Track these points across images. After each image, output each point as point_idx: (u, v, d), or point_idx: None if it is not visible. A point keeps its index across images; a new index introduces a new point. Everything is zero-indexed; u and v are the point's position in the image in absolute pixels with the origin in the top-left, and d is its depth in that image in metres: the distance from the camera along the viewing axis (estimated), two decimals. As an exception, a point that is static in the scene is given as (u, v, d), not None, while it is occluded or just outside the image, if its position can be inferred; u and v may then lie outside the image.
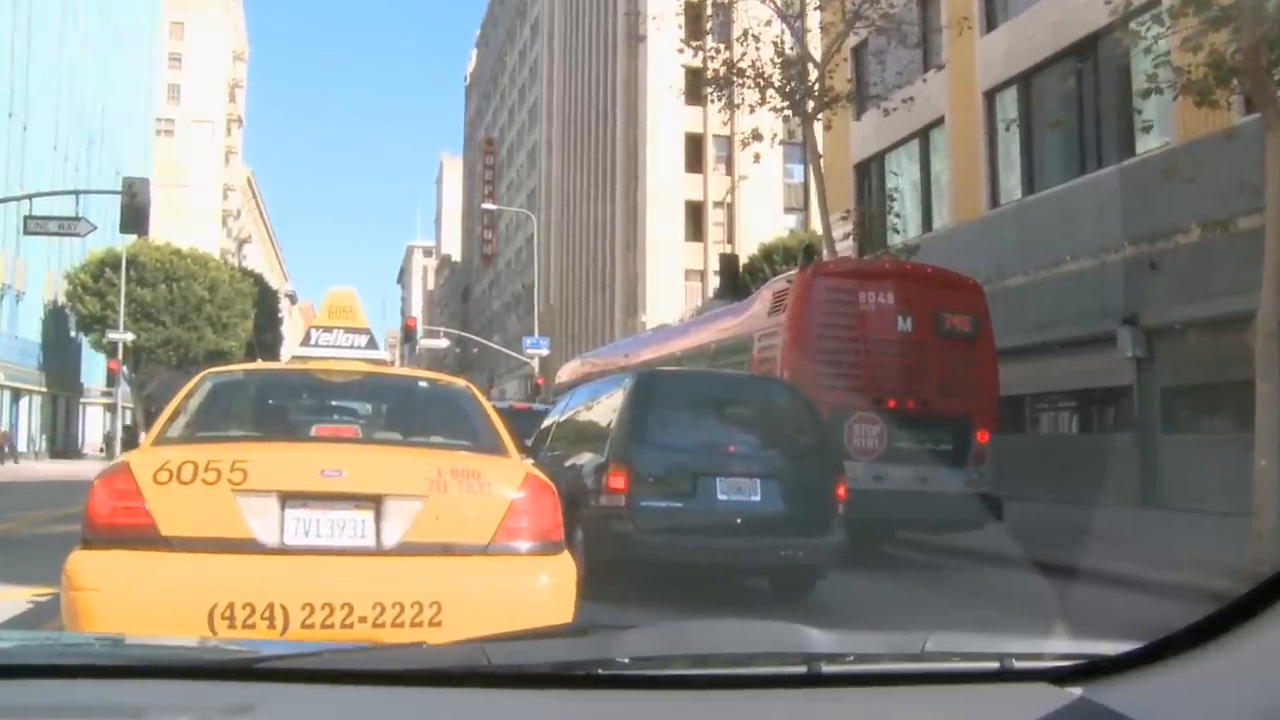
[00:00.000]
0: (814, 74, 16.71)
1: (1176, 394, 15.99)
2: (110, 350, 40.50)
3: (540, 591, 3.81)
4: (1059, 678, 1.40)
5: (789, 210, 48.36)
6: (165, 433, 4.31)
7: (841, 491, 7.07)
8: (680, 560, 6.71)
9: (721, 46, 17.00)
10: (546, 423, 9.26)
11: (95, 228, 20.89)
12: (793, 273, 11.03)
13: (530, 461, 5.00)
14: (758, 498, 6.84)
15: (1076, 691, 1.37)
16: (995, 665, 1.42)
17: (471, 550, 3.78)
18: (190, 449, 3.88)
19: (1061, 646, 1.48)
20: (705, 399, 7.70)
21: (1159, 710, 1.25)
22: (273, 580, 3.51)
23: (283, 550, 3.62)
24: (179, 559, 3.54)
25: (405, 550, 3.70)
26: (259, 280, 56.20)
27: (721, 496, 6.78)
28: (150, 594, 3.44)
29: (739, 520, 6.77)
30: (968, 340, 10.73)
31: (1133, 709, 1.26)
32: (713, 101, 18.21)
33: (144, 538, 3.55)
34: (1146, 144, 16.13)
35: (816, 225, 44.81)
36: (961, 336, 10.70)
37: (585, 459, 7.46)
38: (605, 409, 7.69)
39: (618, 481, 6.68)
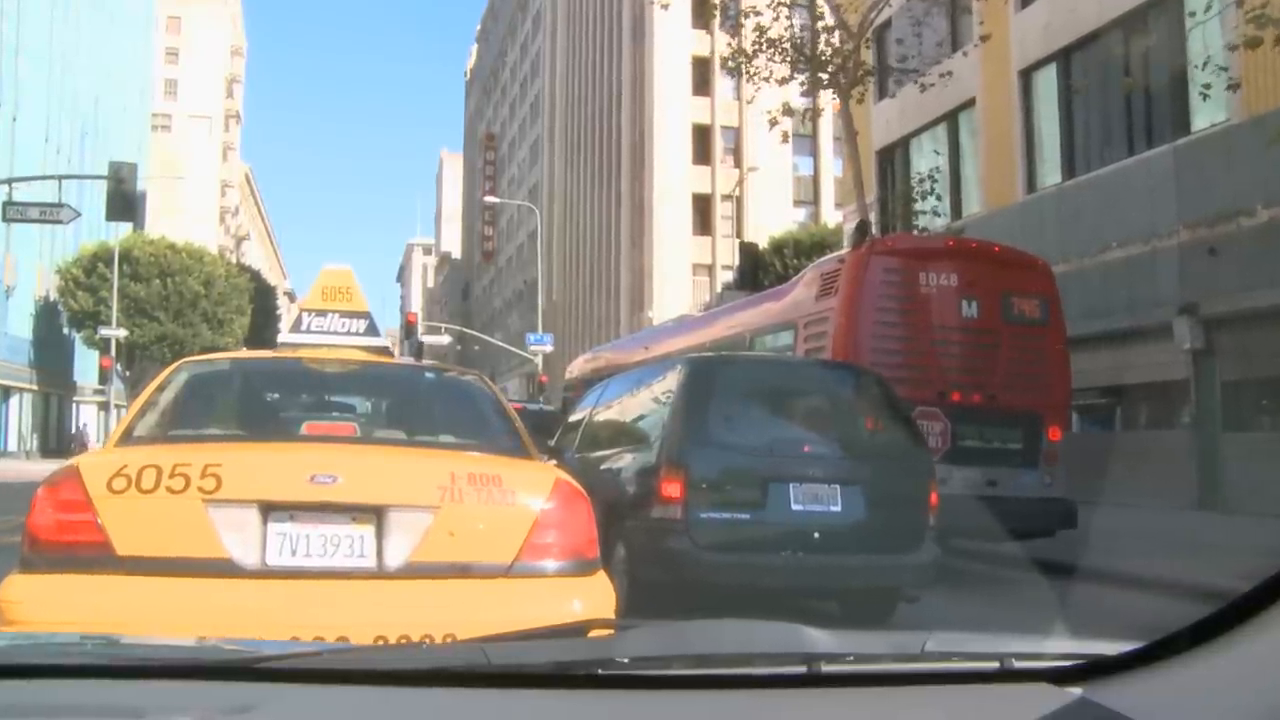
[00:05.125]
0: (845, 51, 15.71)
1: (1240, 388, 14.92)
2: (103, 347, 39.54)
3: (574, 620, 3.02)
4: (1059, 678, 1.40)
5: (798, 204, 47.55)
6: (132, 431, 3.70)
7: (934, 499, 5.96)
8: (747, 582, 5.58)
9: (748, 16, 15.92)
10: (574, 417, 8.16)
11: (79, 214, 19.91)
12: (844, 252, 9.94)
13: (554, 464, 4.22)
14: (838, 508, 5.72)
15: (1076, 691, 1.36)
16: (995, 665, 1.41)
17: (492, 572, 3.20)
18: (157, 450, 3.30)
19: (1062, 646, 1.47)
20: (774, 389, 6.52)
21: (1159, 710, 1.24)
22: (252, 609, 2.95)
23: (265, 573, 3.05)
24: (138, 584, 2.96)
25: (413, 572, 3.13)
26: (255, 276, 55.12)
27: (796, 506, 5.66)
28: (103, 627, 2.74)
29: (816, 535, 5.66)
30: (1038, 327, 9.67)
31: (1133, 709, 1.26)
32: (733, 75, 17.13)
33: (95, 558, 2.99)
34: (1211, 118, 15.07)
35: (827, 219, 44.06)
36: (1031, 323, 9.64)
37: (627, 461, 6.34)
38: (650, 402, 6.55)
39: (672, 489, 5.55)
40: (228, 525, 3.04)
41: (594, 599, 3.26)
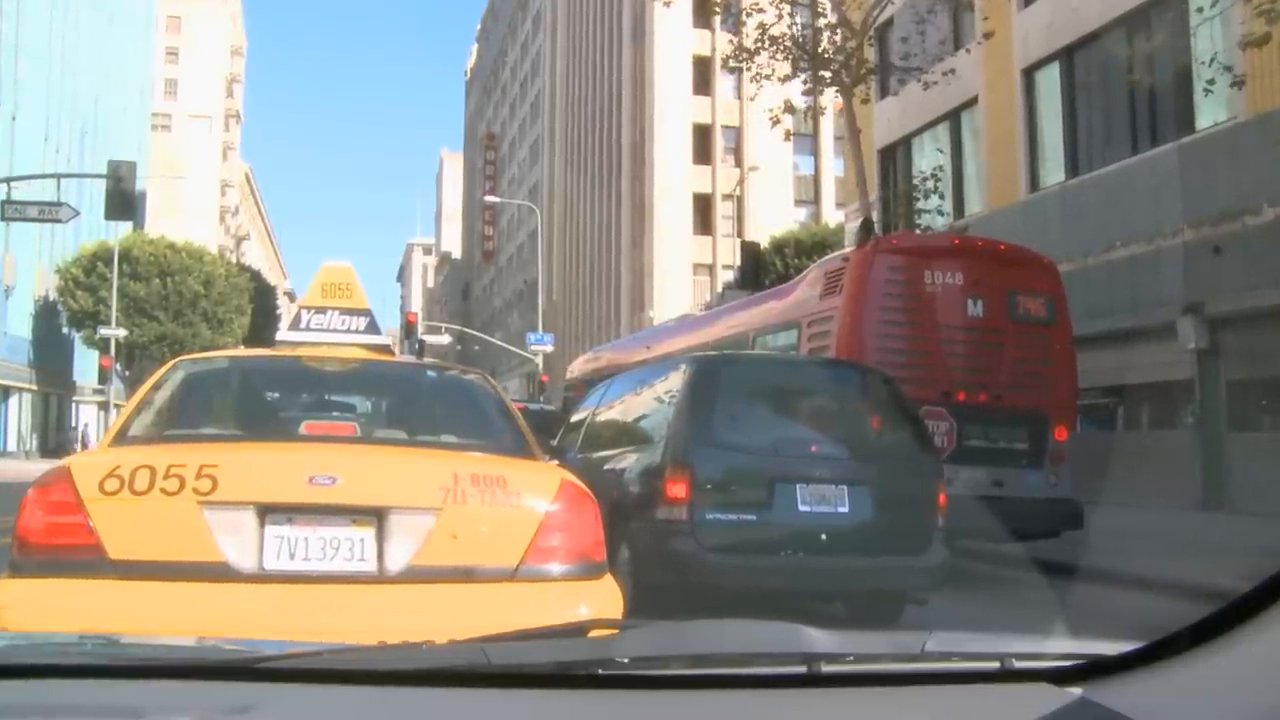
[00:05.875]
0: (848, 48, 15.63)
1: (1245, 388, 14.83)
2: (102, 347, 39.48)
3: None
4: (1059, 678, 1.40)
5: (799, 203, 47.47)
6: (126, 430, 3.60)
7: (943, 500, 5.88)
8: (753, 584, 5.51)
9: (749, 14, 15.83)
10: (577, 417, 8.08)
11: (77, 213, 19.82)
12: (848, 250, 9.86)
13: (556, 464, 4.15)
14: (846, 509, 5.64)
15: (1076, 691, 1.36)
16: (995, 665, 1.41)
17: (496, 576, 3.09)
18: (152, 450, 3.21)
19: (1062, 646, 1.47)
20: (780, 389, 6.44)
21: (1159, 710, 1.24)
22: (249, 615, 2.85)
23: (261, 577, 2.96)
24: (131, 589, 2.86)
25: (415, 576, 3.03)
26: (255, 275, 55.06)
27: (803, 507, 5.58)
28: (94, 633, 2.61)
29: (823, 536, 5.58)
30: (1044, 326, 9.60)
31: (1133, 709, 1.25)
32: (735, 73, 17.08)
33: (87, 562, 2.89)
34: (1215, 116, 14.99)
35: (828, 218, 43.98)
36: (1037, 322, 9.57)
37: (631, 462, 6.25)
38: (654, 402, 6.47)
39: (677, 489, 5.46)
40: (224, 528, 2.95)
41: (601, 603, 3.15)
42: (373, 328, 5.07)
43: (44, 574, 2.90)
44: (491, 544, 3.12)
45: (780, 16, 15.31)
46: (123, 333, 39.63)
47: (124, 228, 38.66)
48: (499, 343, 56.16)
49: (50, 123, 45.76)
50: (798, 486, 5.60)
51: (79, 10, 49.24)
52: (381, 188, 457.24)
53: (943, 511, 5.90)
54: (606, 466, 6.40)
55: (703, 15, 31.10)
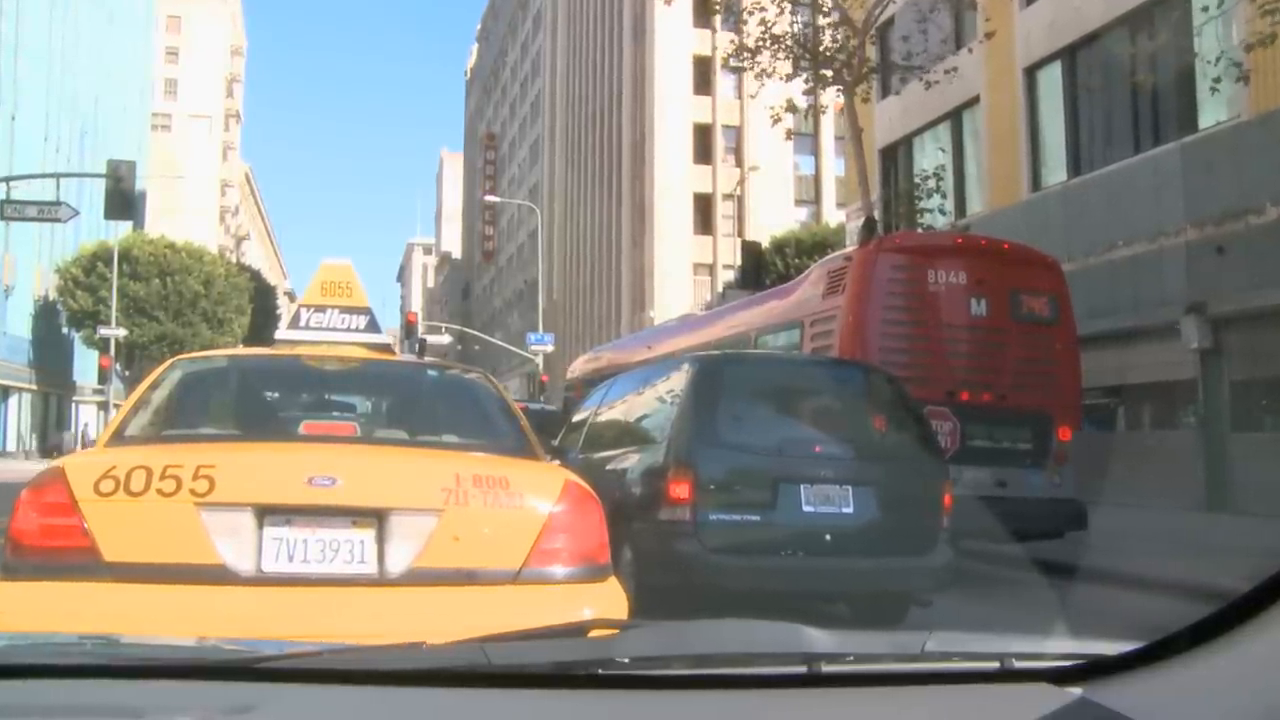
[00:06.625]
0: (850, 47, 15.59)
1: (1248, 388, 14.78)
2: (102, 347, 39.45)
3: None
4: (1059, 678, 1.39)
5: (799, 203, 47.45)
6: (122, 430, 3.56)
7: (949, 501, 5.83)
8: (757, 585, 5.46)
9: (750, 13, 15.79)
10: (578, 417, 8.04)
11: (77, 213, 19.79)
12: (851, 249, 9.81)
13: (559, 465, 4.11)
14: (850, 509, 5.59)
15: (1077, 691, 1.36)
16: (995, 665, 1.41)
17: (499, 578, 3.04)
18: (148, 451, 3.18)
19: (1062, 646, 1.47)
20: (783, 388, 6.39)
21: (1159, 710, 1.24)
22: (247, 618, 2.79)
23: (260, 580, 2.91)
24: (126, 592, 2.81)
25: (416, 579, 2.98)
26: (255, 275, 55.04)
27: (807, 508, 5.53)
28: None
29: (828, 537, 5.54)
30: (1048, 326, 9.56)
31: (1133, 709, 1.25)
32: (736, 72, 17.06)
33: (81, 565, 2.84)
34: (1218, 115, 14.95)
35: (828, 218, 43.94)
36: (1041, 322, 9.53)
37: (633, 462, 6.19)
38: (656, 402, 6.42)
39: (680, 490, 5.42)
40: (221, 530, 2.90)
41: (605, 606, 3.10)
42: (373, 326, 5.02)
43: (38, 576, 2.85)
44: (494, 546, 3.07)
45: (781, 13, 15.27)
46: (122, 332, 39.60)
47: (124, 228, 38.67)
48: (499, 342, 56.13)
49: (50, 123, 45.74)
50: (801, 487, 5.56)
51: (79, 10, 49.22)
52: (381, 188, 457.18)
53: (948, 512, 5.86)
54: (609, 467, 6.35)
55: (703, 15, 31.05)
